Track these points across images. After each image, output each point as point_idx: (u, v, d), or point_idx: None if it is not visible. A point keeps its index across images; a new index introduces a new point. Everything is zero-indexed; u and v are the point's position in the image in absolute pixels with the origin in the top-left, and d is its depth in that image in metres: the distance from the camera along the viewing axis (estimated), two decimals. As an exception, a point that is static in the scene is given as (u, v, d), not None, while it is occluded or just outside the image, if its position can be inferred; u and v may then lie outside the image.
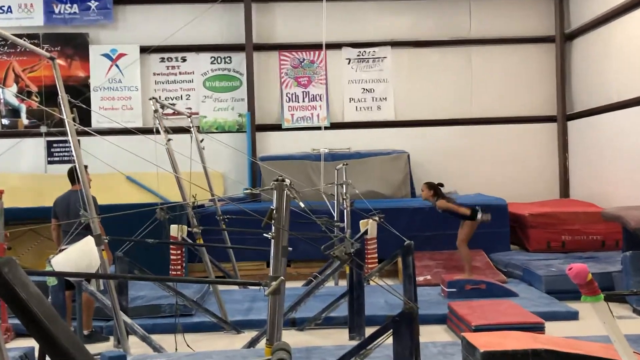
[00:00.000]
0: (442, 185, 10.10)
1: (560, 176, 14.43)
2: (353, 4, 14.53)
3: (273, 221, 3.88)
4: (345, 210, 9.70)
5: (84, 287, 6.79)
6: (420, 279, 9.83)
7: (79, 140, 6.08)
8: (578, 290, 3.86)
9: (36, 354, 5.34)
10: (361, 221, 9.00)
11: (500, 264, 10.92)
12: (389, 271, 10.82)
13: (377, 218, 8.42)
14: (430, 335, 7.25)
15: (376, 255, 8.85)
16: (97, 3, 14.14)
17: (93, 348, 6.87)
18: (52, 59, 5.83)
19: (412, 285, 7.51)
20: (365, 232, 8.77)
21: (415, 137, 14.36)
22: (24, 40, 12.93)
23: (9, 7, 14.09)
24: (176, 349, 6.63)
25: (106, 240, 6.21)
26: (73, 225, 6.43)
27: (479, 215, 9.55)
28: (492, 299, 8.29)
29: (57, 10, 14.13)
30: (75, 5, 14.14)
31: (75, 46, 14.27)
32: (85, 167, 8.17)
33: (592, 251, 11.08)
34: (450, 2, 14.63)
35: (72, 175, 7.74)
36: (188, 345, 6.78)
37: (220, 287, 8.59)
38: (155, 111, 8.02)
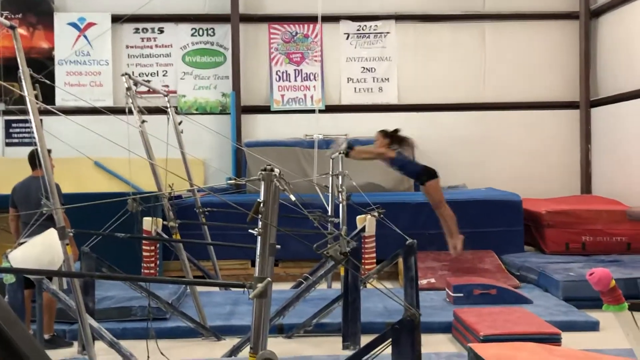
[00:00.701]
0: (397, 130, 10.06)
1: (581, 170, 14.48)
2: (353, -29, 14.50)
3: (260, 215, 3.88)
4: (340, 205, 9.70)
5: (45, 286, 6.77)
6: (423, 282, 9.86)
7: (41, 120, 6.05)
8: (599, 297, 3.89)
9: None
10: (358, 217, 9.01)
11: (512, 266, 10.96)
12: (389, 273, 10.85)
13: (376, 213, 8.43)
14: (434, 345, 7.27)
15: (374, 255, 8.87)
16: (63, -35, 14.06)
17: (55, 354, 6.87)
18: (12, 27, 5.79)
19: (414, 290, 7.52)
20: (363, 229, 8.78)
21: (421, 123, 14.33)
22: (-20, 6, 12.88)
23: (-37, -33, 14.01)
24: (148, 357, 6.63)
25: (71, 234, 6.19)
26: (33, 216, 6.41)
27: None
28: (503, 306, 8.31)
29: (18, -27, 14.05)
30: (39, -33, 14.07)
31: (39, 13, 14.21)
32: (49, 151, 8.14)
33: (616, 254, 11.11)
34: (462, -28, 14.62)
35: (33, 160, 7.70)
36: (162, 353, 6.77)
37: (199, 289, 8.59)
38: (128, 89, 7.99)
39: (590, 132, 14.42)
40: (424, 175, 9.68)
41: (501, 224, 11.43)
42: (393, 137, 9.85)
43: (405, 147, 9.98)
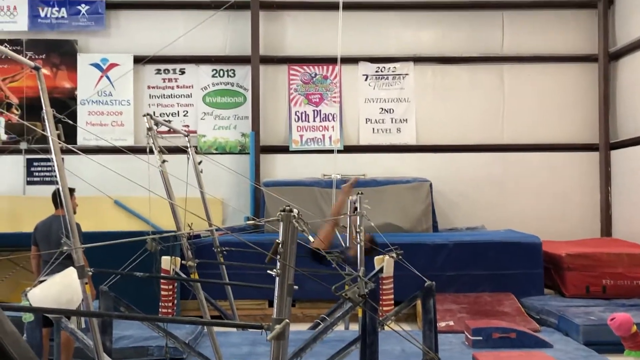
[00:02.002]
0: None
1: (601, 212, 14.37)
2: (372, 14, 14.65)
3: (278, 256, 3.87)
4: (358, 245, 9.66)
5: (63, 325, 6.77)
6: (441, 324, 9.77)
7: (62, 159, 6.11)
8: (620, 342, 3.84)
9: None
10: (376, 258, 8.96)
11: (532, 309, 10.84)
12: (407, 315, 10.77)
13: (394, 254, 8.37)
14: (452, 389, 7.18)
15: (392, 296, 8.78)
16: (87, 7, 14.32)
17: (71, 394, 6.84)
18: (36, 68, 5.87)
19: (432, 332, 7.44)
20: (381, 270, 8.72)
21: (439, 164, 14.36)
22: (5, 46, 13.12)
23: (-10, 9, 14.30)
24: (165, 397, 6.59)
25: (90, 273, 6.21)
26: (54, 254, 6.44)
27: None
28: (522, 350, 8.22)
29: (43, 14, 14.32)
30: (63, 9, 14.33)
31: (62, 54, 14.44)
32: (72, 190, 8.22)
33: (637, 298, 10.98)
34: (480, 14, 14.73)
35: (56, 199, 7.79)
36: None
37: (216, 329, 8.56)
38: (149, 129, 8.04)
39: (610, 174, 14.34)
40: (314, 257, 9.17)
41: (521, 267, 11.33)
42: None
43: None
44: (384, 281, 8.70)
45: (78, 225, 6.66)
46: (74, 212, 8.13)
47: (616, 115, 14.39)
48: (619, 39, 14.23)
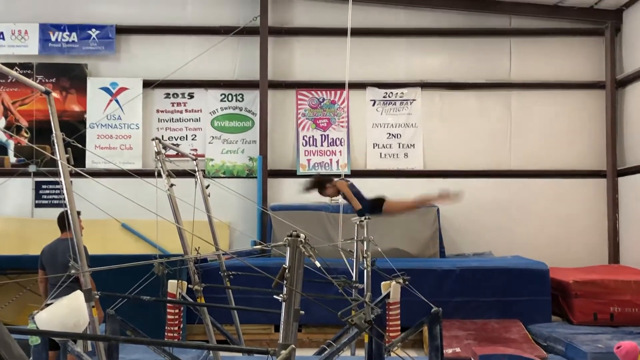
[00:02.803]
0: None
1: (609, 239, 14.32)
2: (379, 40, 14.74)
3: (285, 281, 3.88)
4: (365, 270, 9.64)
5: (69, 348, 6.77)
6: (448, 351, 9.72)
7: (71, 182, 6.13)
8: (628, 371, 3.82)
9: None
10: (383, 283, 8.94)
11: (539, 337, 10.78)
12: (414, 341, 10.71)
13: (401, 280, 8.36)
14: (459, 416, 7.13)
15: (399, 322, 8.76)
16: (98, 32, 14.44)
17: (76, 417, 6.81)
18: (47, 92, 5.92)
19: (439, 359, 7.41)
20: (387, 296, 8.71)
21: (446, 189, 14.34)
22: (16, 70, 13.23)
23: (1, 33, 14.47)
24: (169, 422, 6.56)
25: (97, 296, 6.21)
26: (61, 277, 6.45)
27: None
28: (530, 377, 8.16)
29: (53, 39, 14.45)
30: (74, 34, 14.46)
31: (72, 78, 14.55)
32: (78, 213, 8.23)
33: (645, 326, 10.92)
34: (488, 41, 14.80)
35: (63, 222, 7.84)
36: (183, 418, 6.71)
37: (222, 353, 8.53)
38: (158, 153, 8.08)
39: (617, 201, 14.31)
40: (374, 209, 9.44)
41: (528, 293, 11.29)
42: (325, 180, 9.71)
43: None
44: (390, 307, 8.68)
45: (85, 248, 6.65)
46: (81, 235, 8.16)
47: (623, 142, 14.38)
48: (626, 66, 14.27)
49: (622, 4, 14.12)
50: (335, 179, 9.63)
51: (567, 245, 14.20)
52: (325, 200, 13.88)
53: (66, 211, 6.37)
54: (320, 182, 9.50)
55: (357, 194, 9.37)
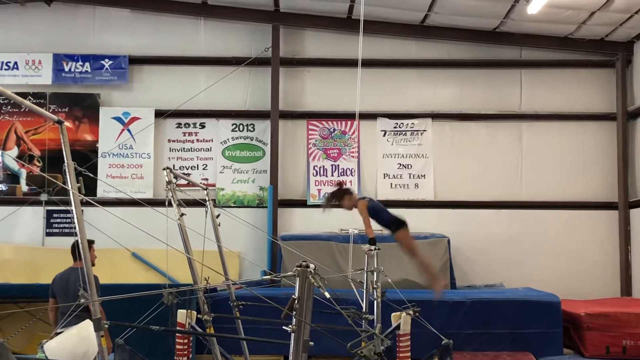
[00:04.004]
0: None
1: (621, 271, 14.22)
2: (390, 71, 14.82)
3: (294, 312, 3.87)
4: (375, 301, 9.60)
5: (78, 378, 6.74)
6: (459, 383, 9.62)
7: (82, 211, 6.16)
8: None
9: None
10: (393, 314, 8.89)
11: (551, 370, 10.69)
12: (424, 373, 10.61)
13: (411, 311, 8.32)
14: None
15: (409, 354, 8.70)
16: (111, 62, 14.58)
17: None
18: (59, 122, 5.96)
19: (449, 391, 7.35)
20: (398, 327, 8.65)
21: (457, 220, 14.32)
22: (29, 99, 13.34)
23: (15, 63, 14.60)
24: None
25: (106, 326, 6.21)
26: (72, 306, 6.46)
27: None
28: (541, 411, 8.07)
29: (67, 69, 14.59)
30: (87, 64, 14.60)
31: (85, 107, 14.67)
32: (91, 242, 8.28)
33: (659, 359, 10.80)
34: (499, 72, 14.84)
35: (75, 251, 7.88)
36: None
37: (231, 384, 8.48)
38: (169, 182, 8.11)
39: (630, 233, 14.23)
40: (394, 224, 9.51)
41: (539, 326, 11.17)
42: (346, 190, 9.75)
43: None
44: (400, 338, 8.62)
45: (96, 278, 6.67)
46: (93, 264, 8.19)
47: (635, 173, 14.33)
48: (637, 98, 14.27)
49: (633, 36, 14.16)
50: (357, 196, 9.68)
51: (579, 277, 14.10)
52: (336, 230, 13.89)
53: (78, 240, 6.39)
54: (341, 192, 9.53)
55: (378, 208, 9.44)
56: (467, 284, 13.96)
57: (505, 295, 12.01)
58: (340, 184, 9.94)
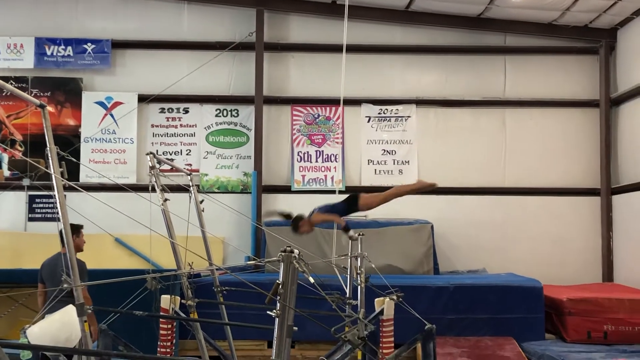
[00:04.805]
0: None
1: (603, 257, 14.34)
2: (375, 57, 14.80)
3: (278, 297, 3.88)
4: (359, 287, 9.64)
5: (61, 364, 6.73)
6: (441, 368, 9.69)
7: (64, 196, 6.12)
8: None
9: None
10: (376, 299, 8.93)
11: (533, 354, 10.75)
12: (407, 358, 10.66)
13: (394, 296, 8.35)
14: None
15: (392, 339, 8.74)
16: (93, 46, 14.47)
17: None
18: (42, 106, 5.92)
19: (432, 376, 7.40)
20: (381, 312, 8.69)
21: (441, 206, 14.37)
22: (11, 83, 13.21)
23: (-3, 47, 14.45)
24: None
25: (90, 311, 6.19)
26: (61, 291, 6.44)
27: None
28: (523, 395, 8.14)
29: (49, 53, 14.46)
30: (69, 48, 14.48)
31: (67, 92, 14.56)
32: (80, 227, 8.26)
33: (639, 344, 10.90)
34: (483, 59, 14.87)
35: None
36: None
37: (214, 369, 8.50)
38: (152, 167, 8.08)
39: (611, 219, 14.33)
40: (350, 202, 9.28)
41: (522, 311, 11.26)
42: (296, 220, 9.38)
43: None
44: (384, 323, 8.66)
45: (84, 263, 6.68)
46: (81, 250, 8.20)
47: (618, 160, 14.42)
48: (620, 84, 14.34)
49: (616, 22, 14.21)
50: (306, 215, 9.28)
51: (561, 262, 14.21)
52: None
53: (68, 225, 6.35)
54: (295, 225, 8.98)
55: (330, 208, 9.09)
56: (450, 270, 14.04)
57: (488, 280, 12.09)
58: (286, 216, 9.21)
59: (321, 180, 14.58)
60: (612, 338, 11.13)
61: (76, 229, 8.32)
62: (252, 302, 8.57)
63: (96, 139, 14.35)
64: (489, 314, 11.27)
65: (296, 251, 3.98)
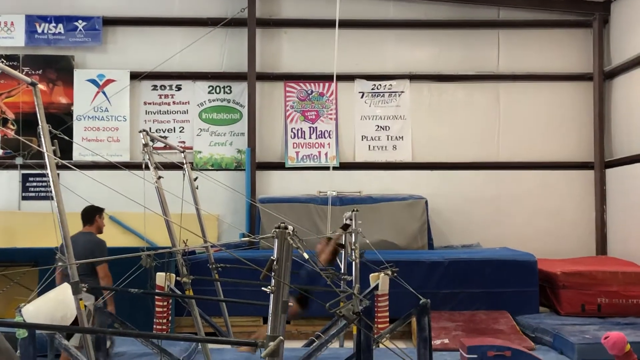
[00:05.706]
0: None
1: (596, 231, 14.39)
2: (368, 32, 14.73)
3: (273, 273, 3.89)
4: (353, 262, 9.67)
5: (57, 341, 6.75)
6: (436, 342, 9.75)
7: (58, 175, 6.11)
8: (615, 361, 3.85)
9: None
10: (371, 275, 8.97)
11: (527, 328, 10.83)
12: (402, 333, 10.74)
13: (389, 272, 8.38)
14: (447, 407, 7.17)
15: (387, 314, 8.80)
16: (84, 23, 14.36)
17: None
18: (33, 84, 5.90)
19: (427, 350, 7.44)
20: (376, 287, 8.74)
21: (435, 181, 14.39)
22: (2, 62, 13.16)
23: (-13, 25, 14.34)
24: (158, 415, 6.57)
25: (84, 289, 6.20)
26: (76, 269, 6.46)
27: None
28: (517, 368, 8.20)
29: (40, 30, 14.36)
30: (60, 25, 14.37)
31: (59, 70, 14.46)
32: (102, 210, 8.33)
33: (633, 316, 10.98)
34: (476, 33, 14.81)
35: (86, 216, 8.03)
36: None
37: (211, 345, 8.54)
38: (145, 145, 8.07)
39: (605, 192, 14.37)
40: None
41: (516, 285, 11.33)
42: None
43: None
44: (379, 298, 8.71)
45: (104, 243, 6.80)
46: (101, 232, 8.26)
47: (611, 133, 14.43)
48: (613, 58, 14.32)
49: (610, -5, 14.18)
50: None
51: (555, 236, 14.26)
52: (313, 192, 13.94)
53: (91, 205, 6.38)
54: (331, 258, 8.69)
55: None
56: (444, 245, 14.08)
57: (482, 255, 12.14)
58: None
59: (315, 157, 14.57)
60: (605, 311, 11.21)
61: (99, 211, 8.37)
62: (247, 278, 8.57)
63: (89, 117, 14.29)
64: (483, 288, 11.34)
65: (290, 227, 3.98)
